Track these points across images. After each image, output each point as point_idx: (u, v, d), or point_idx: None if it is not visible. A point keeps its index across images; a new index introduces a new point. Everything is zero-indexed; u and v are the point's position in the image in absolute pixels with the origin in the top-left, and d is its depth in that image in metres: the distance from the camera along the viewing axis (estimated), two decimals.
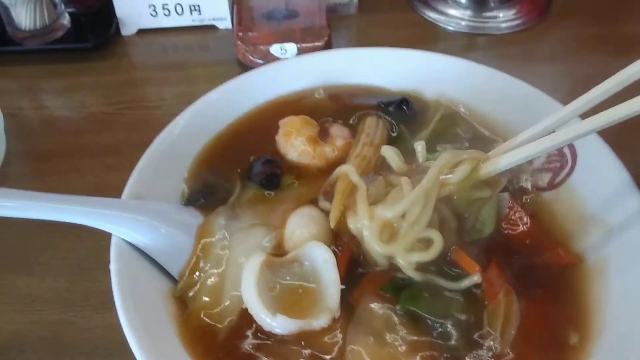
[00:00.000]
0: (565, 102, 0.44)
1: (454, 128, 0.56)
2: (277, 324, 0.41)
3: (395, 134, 0.56)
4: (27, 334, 0.52)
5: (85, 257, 0.57)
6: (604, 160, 0.48)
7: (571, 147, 0.49)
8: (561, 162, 0.49)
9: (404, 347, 0.41)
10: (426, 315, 0.43)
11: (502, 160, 0.42)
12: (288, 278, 0.44)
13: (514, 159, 0.42)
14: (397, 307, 0.43)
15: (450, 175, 0.43)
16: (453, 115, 0.57)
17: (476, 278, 0.44)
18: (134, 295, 0.41)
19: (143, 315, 0.40)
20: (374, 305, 0.43)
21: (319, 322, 0.42)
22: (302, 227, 0.45)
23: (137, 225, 0.45)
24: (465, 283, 0.44)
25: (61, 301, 0.54)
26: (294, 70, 0.59)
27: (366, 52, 0.60)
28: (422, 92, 0.60)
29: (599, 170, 0.48)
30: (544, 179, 0.50)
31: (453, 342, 0.42)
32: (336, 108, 0.58)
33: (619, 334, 0.41)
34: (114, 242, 0.44)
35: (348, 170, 0.46)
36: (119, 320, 0.41)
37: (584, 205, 0.48)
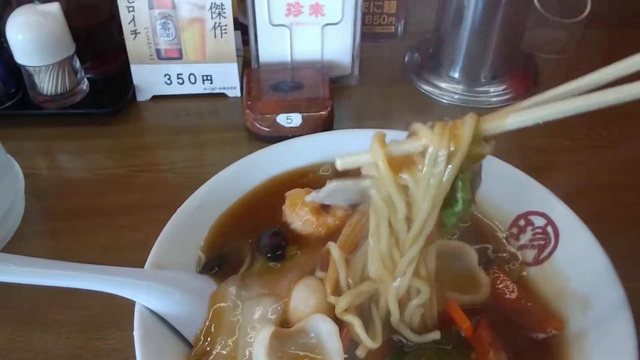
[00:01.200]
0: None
1: None
2: None
3: None
4: None
5: (97, 315, 0.60)
6: (584, 241, 0.52)
7: (554, 226, 0.53)
8: (545, 240, 0.54)
9: None
10: None
11: (506, 119, 0.38)
12: (294, 348, 0.47)
13: (517, 120, 0.38)
14: None
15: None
16: None
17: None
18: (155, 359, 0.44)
19: None
20: None
21: None
22: (304, 299, 0.49)
23: (155, 292, 0.48)
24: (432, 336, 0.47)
25: (75, 358, 0.56)
26: (301, 148, 0.64)
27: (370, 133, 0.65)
28: None
29: (579, 250, 0.52)
30: (530, 255, 0.55)
31: None
32: None
33: None
34: (137, 309, 0.48)
35: (330, 246, 0.50)
36: None
37: (567, 280, 0.52)
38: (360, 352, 0.46)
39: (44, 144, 0.82)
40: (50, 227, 0.70)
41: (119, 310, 0.59)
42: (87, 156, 0.80)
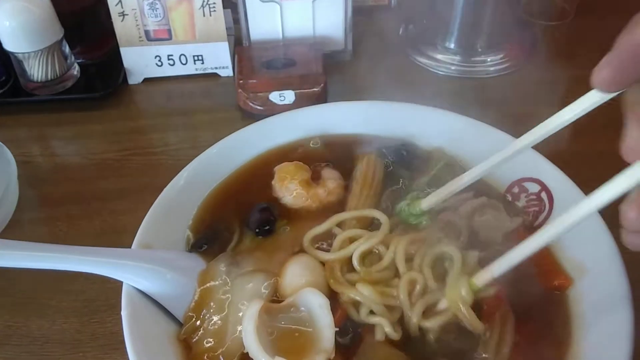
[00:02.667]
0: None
1: (453, 177, 0.59)
2: None
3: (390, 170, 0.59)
4: None
5: (92, 299, 0.60)
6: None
7: (548, 192, 0.52)
8: (539, 206, 0.53)
9: None
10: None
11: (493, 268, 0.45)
12: (285, 322, 0.46)
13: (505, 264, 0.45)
14: None
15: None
16: (454, 166, 0.60)
17: None
18: (143, 338, 0.44)
19: (152, 358, 0.43)
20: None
21: None
22: (298, 275, 0.49)
23: (144, 272, 0.48)
24: None
25: (72, 342, 0.56)
26: (290, 122, 0.63)
27: (361, 106, 0.64)
28: (417, 143, 0.63)
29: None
30: (525, 221, 0.54)
31: None
32: (332, 155, 0.62)
33: None
34: (124, 290, 0.47)
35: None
36: None
37: (562, 246, 0.51)
38: (379, 336, 0.46)
39: (36, 130, 0.82)
40: (45, 213, 0.70)
41: (113, 293, 0.58)
42: (80, 141, 0.80)
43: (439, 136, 0.61)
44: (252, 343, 0.44)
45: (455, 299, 0.45)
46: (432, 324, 0.45)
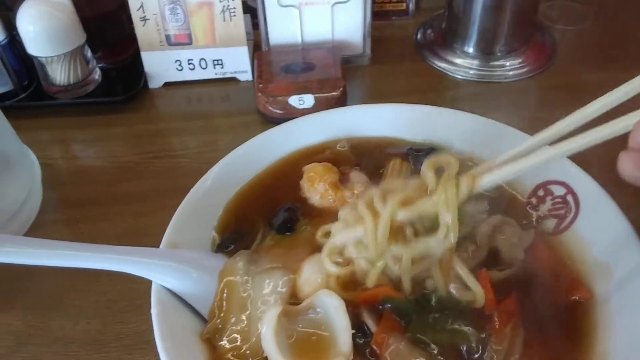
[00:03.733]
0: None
1: None
2: None
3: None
4: None
5: (116, 300, 0.60)
6: (606, 208, 0.50)
7: (574, 195, 0.52)
8: (565, 209, 0.53)
9: None
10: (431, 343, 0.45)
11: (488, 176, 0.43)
12: (303, 325, 0.47)
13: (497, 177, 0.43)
14: (407, 335, 0.46)
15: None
16: None
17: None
18: (172, 337, 0.44)
19: (180, 355, 0.43)
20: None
21: None
22: (314, 274, 0.49)
23: (172, 271, 0.48)
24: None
25: (95, 343, 0.57)
26: (316, 124, 0.63)
27: (387, 109, 0.64)
28: (446, 146, 0.63)
29: (601, 218, 0.50)
30: (550, 225, 0.54)
31: None
32: (359, 157, 0.62)
33: None
34: (154, 288, 0.48)
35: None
36: None
37: (588, 250, 0.50)
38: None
39: (58, 133, 0.83)
40: (67, 215, 0.71)
41: (137, 294, 0.59)
42: (101, 144, 0.81)
43: (467, 140, 0.61)
44: (271, 349, 0.44)
45: (450, 196, 0.43)
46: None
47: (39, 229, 0.68)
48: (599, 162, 0.58)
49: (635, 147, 0.35)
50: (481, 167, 0.45)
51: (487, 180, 0.43)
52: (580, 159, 0.55)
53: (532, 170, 0.42)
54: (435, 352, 0.45)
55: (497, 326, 0.46)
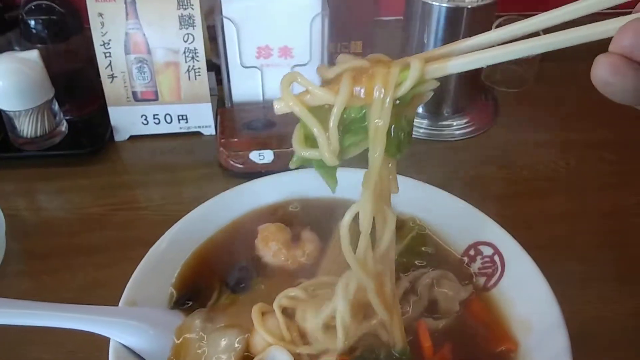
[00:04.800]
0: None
1: (422, 246, 0.64)
2: None
3: None
4: None
5: (74, 351, 0.62)
6: (527, 268, 0.56)
7: (500, 255, 0.58)
8: (492, 268, 0.58)
9: None
10: None
11: (449, 63, 0.38)
12: None
13: (461, 62, 0.38)
14: None
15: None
16: (424, 236, 0.65)
17: None
18: None
19: None
20: None
21: None
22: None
23: (130, 329, 0.51)
24: None
25: None
26: (269, 186, 0.67)
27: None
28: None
29: (522, 277, 0.56)
30: (481, 281, 0.59)
31: None
32: (310, 218, 0.66)
33: None
34: (112, 345, 0.50)
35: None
36: None
37: (513, 305, 0.56)
38: None
39: (24, 185, 0.85)
40: (30, 267, 0.73)
41: (95, 345, 0.60)
42: (66, 196, 0.83)
43: (410, 205, 0.65)
44: None
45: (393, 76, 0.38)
46: None
47: (2, 280, 0.70)
48: (527, 223, 0.64)
49: (617, 52, 0.31)
50: (435, 53, 0.40)
51: (438, 67, 0.39)
52: (507, 221, 0.61)
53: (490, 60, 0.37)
54: None
55: None
